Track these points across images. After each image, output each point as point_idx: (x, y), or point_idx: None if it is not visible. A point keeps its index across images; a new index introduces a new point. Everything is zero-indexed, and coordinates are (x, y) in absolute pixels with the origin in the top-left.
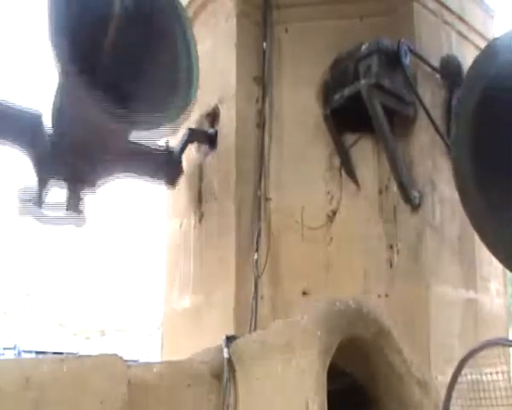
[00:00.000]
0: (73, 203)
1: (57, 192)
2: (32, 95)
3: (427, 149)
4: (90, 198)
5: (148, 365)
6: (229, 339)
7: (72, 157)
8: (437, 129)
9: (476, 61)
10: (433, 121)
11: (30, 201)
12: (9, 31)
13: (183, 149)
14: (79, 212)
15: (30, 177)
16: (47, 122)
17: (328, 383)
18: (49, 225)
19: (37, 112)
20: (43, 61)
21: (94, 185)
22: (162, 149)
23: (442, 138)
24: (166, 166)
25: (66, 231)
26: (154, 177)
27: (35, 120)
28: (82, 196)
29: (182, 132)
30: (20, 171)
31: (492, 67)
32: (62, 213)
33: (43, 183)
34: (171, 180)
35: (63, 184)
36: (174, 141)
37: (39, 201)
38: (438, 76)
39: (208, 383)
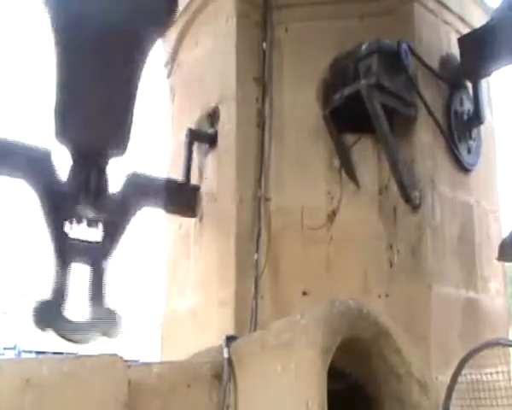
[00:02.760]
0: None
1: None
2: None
3: (428, 149)
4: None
5: (148, 365)
6: (229, 339)
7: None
8: (440, 127)
9: None
10: (436, 120)
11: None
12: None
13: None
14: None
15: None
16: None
17: (328, 383)
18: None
19: (46, 149)
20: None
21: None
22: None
23: (444, 137)
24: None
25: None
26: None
27: (45, 157)
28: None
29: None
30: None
31: None
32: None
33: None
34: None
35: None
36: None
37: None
38: (437, 76)
39: (208, 383)
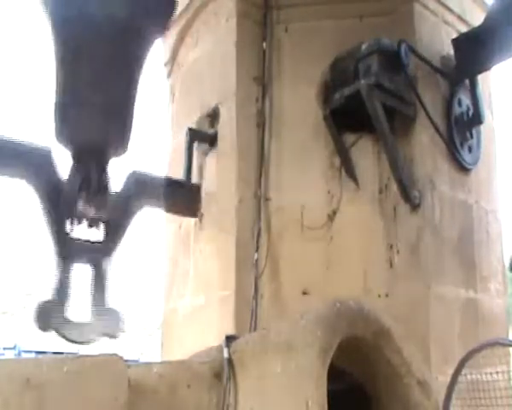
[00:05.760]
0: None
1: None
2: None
3: (427, 149)
4: None
5: (148, 365)
6: (229, 339)
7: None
8: (437, 129)
9: None
10: (432, 122)
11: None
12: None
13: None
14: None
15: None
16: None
17: (328, 383)
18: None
19: (47, 147)
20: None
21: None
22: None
23: (442, 138)
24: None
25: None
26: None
27: (46, 155)
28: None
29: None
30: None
31: None
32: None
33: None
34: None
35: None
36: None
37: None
38: (438, 76)
39: (208, 383)
